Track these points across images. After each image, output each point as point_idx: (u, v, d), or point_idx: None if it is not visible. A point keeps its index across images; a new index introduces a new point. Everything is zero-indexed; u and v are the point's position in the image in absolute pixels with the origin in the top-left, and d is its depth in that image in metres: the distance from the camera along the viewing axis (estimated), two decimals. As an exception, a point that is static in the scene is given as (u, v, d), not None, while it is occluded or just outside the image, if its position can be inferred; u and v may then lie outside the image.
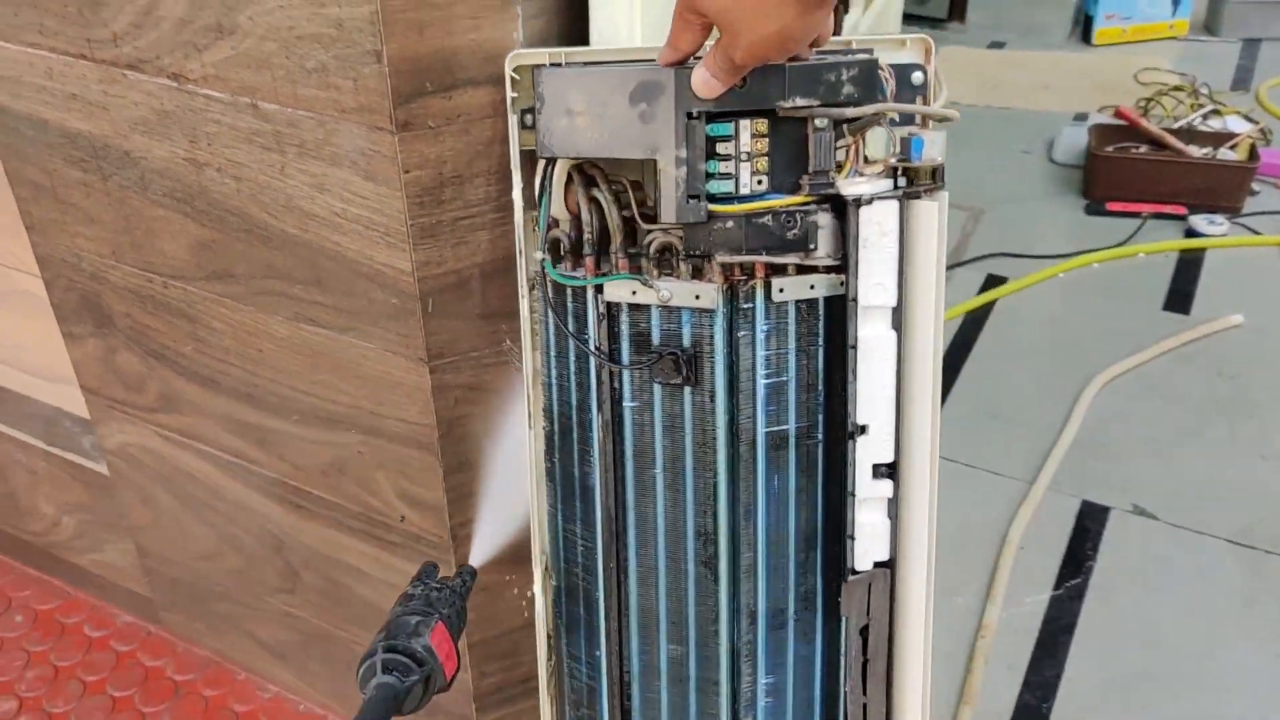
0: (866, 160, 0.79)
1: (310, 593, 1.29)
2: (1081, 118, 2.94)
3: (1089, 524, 1.68)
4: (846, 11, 0.70)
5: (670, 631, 0.84)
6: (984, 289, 2.21)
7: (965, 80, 3.32)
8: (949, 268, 2.26)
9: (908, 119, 0.81)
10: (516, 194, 0.83)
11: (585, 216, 0.78)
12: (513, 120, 0.81)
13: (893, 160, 0.77)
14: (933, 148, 0.79)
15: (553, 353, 0.83)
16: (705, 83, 0.70)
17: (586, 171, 0.78)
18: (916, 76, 0.82)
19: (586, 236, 0.78)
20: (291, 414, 1.12)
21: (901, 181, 0.78)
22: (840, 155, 0.78)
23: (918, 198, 0.76)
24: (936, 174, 0.78)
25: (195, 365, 1.16)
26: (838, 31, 0.92)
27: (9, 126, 1.10)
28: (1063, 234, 2.43)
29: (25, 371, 1.45)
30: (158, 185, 1.03)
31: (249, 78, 0.91)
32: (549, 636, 0.93)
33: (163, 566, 1.43)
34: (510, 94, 0.80)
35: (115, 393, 1.27)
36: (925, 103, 0.84)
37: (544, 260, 0.80)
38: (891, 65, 0.81)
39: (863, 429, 0.78)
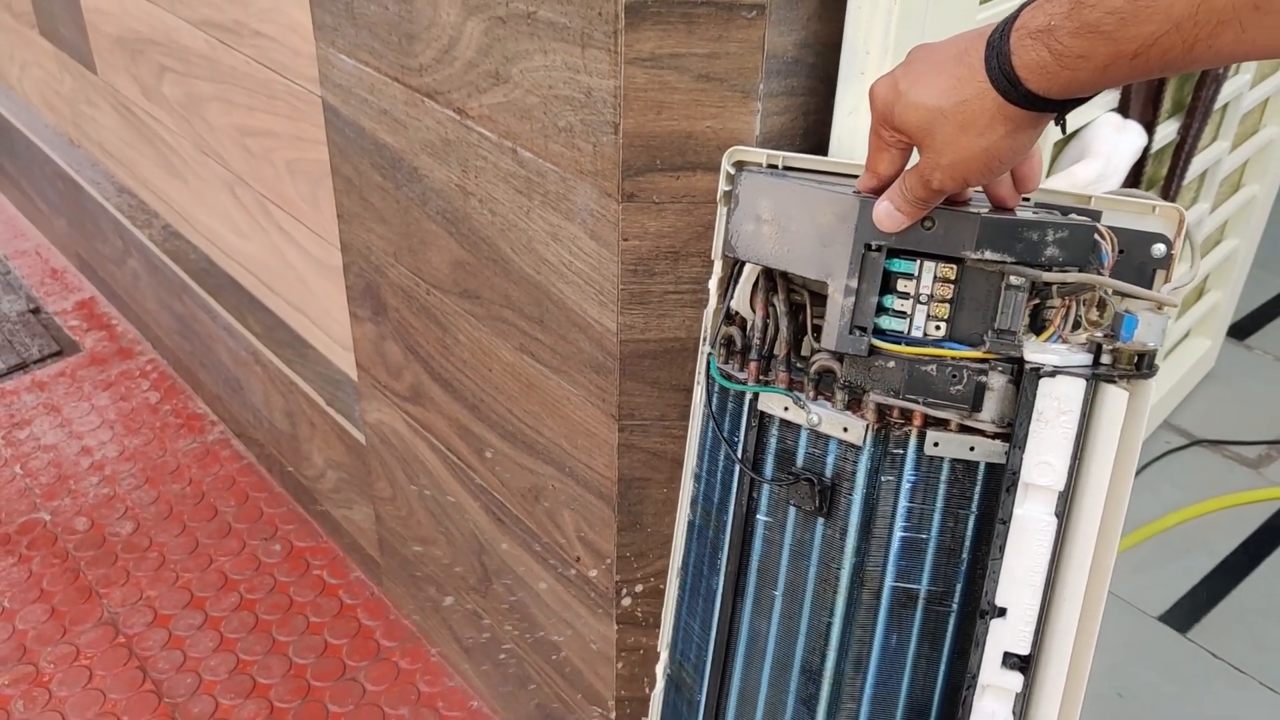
0: (1076, 327, 0.72)
1: (497, 601, 1.35)
2: None
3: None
4: (1065, 133, 0.64)
5: (758, 758, 0.82)
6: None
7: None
8: (1293, 440, 1.99)
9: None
10: (713, 283, 0.84)
11: (759, 322, 0.77)
12: (722, 212, 0.82)
13: (1098, 335, 0.71)
14: (1148, 331, 0.71)
15: (707, 447, 0.83)
16: (888, 215, 0.67)
17: (774, 277, 0.77)
18: (1158, 249, 0.74)
19: (755, 341, 0.77)
20: (506, 433, 1.18)
21: (1105, 359, 0.71)
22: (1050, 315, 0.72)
23: (1112, 382, 0.69)
24: (1144, 360, 0.70)
25: (440, 368, 1.25)
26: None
27: (337, 126, 1.25)
28: None
29: (331, 337, 1.62)
30: (434, 203, 1.13)
31: (514, 124, 0.97)
32: (659, 720, 0.92)
33: (392, 539, 1.55)
34: (723, 186, 0.81)
35: (379, 375, 1.40)
36: (1167, 279, 0.76)
37: (710, 355, 0.80)
38: (1129, 231, 0.74)
39: (1000, 611, 0.72)
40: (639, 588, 1.12)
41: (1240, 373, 2.16)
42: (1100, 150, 1.20)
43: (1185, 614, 1.66)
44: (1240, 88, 1.61)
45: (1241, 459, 1.96)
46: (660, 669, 0.91)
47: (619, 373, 0.99)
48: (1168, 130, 1.45)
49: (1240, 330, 2.29)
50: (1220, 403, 2.09)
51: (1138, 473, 1.88)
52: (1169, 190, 1.52)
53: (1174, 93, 1.45)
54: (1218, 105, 1.53)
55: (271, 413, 1.77)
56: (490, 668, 1.45)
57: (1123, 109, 1.28)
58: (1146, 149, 1.32)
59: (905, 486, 0.73)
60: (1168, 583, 1.71)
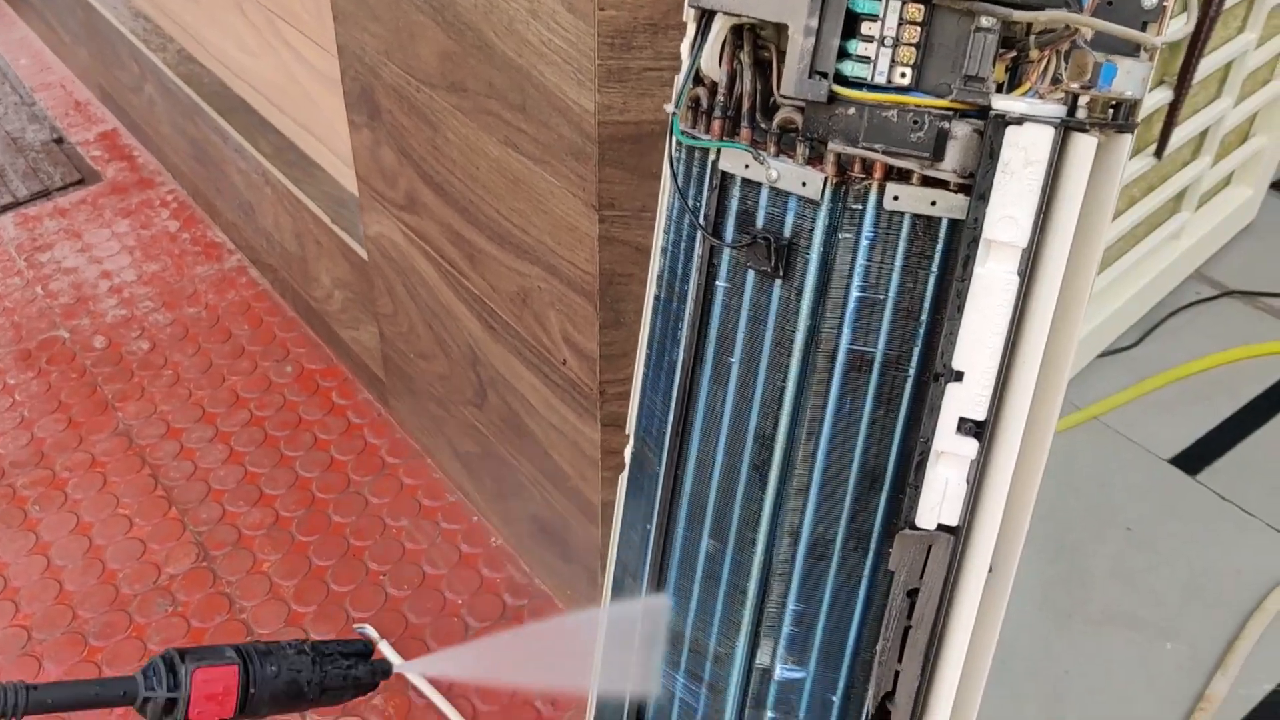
0: (1055, 84, 0.68)
1: (493, 413, 1.36)
2: None
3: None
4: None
5: (713, 526, 0.81)
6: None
7: None
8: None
9: (1125, 48, 0.69)
10: (685, 45, 0.80)
11: (725, 79, 0.74)
12: (693, -32, 0.78)
13: (1075, 86, 0.67)
14: (1127, 79, 0.67)
15: (673, 216, 0.81)
16: (850, -55, 0.64)
17: (742, 33, 0.74)
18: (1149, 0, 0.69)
19: (719, 100, 0.74)
20: (494, 235, 1.17)
21: (1081, 113, 0.67)
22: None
23: (1083, 130, 0.65)
24: (1120, 110, 0.67)
25: (432, 170, 1.24)
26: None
27: (327, -84, 1.21)
28: None
29: (336, 154, 1.61)
30: (420, -10, 1.09)
31: (491, -109, 0.93)
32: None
33: (395, 356, 1.56)
34: (694, -60, 0.76)
35: (377, 184, 1.38)
36: (1158, 32, 0.71)
37: (673, 115, 0.77)
38: (1117, -22, 0.69)
39: (957, 375, 0.70)
40: (622, 389, 1.12)
41: (1281, 226, 2.08)
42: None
43: (1196, 457, 1.63)
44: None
45: (1273, 310, 1.90)
46: (627, 452, 0.91)
47: (598, 158, 0.96)
48: (1209, -59, 1.36)
49: (1286, 184, 2.20)
50: (1257, 255, 2.02)
51: (1164, 320, 1.85)
52: (1209, 10, 1.44)
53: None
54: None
55: (282, 235, 1.77)
56: (488, 481, 1.46)
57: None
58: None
59: (863, 244, 0.70)
60: (1183, 427, 1.68)
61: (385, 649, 1.37)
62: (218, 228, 2.06)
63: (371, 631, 1.38)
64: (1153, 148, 1.57)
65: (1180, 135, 1.61)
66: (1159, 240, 1.78)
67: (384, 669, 0.90)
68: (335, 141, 1.58)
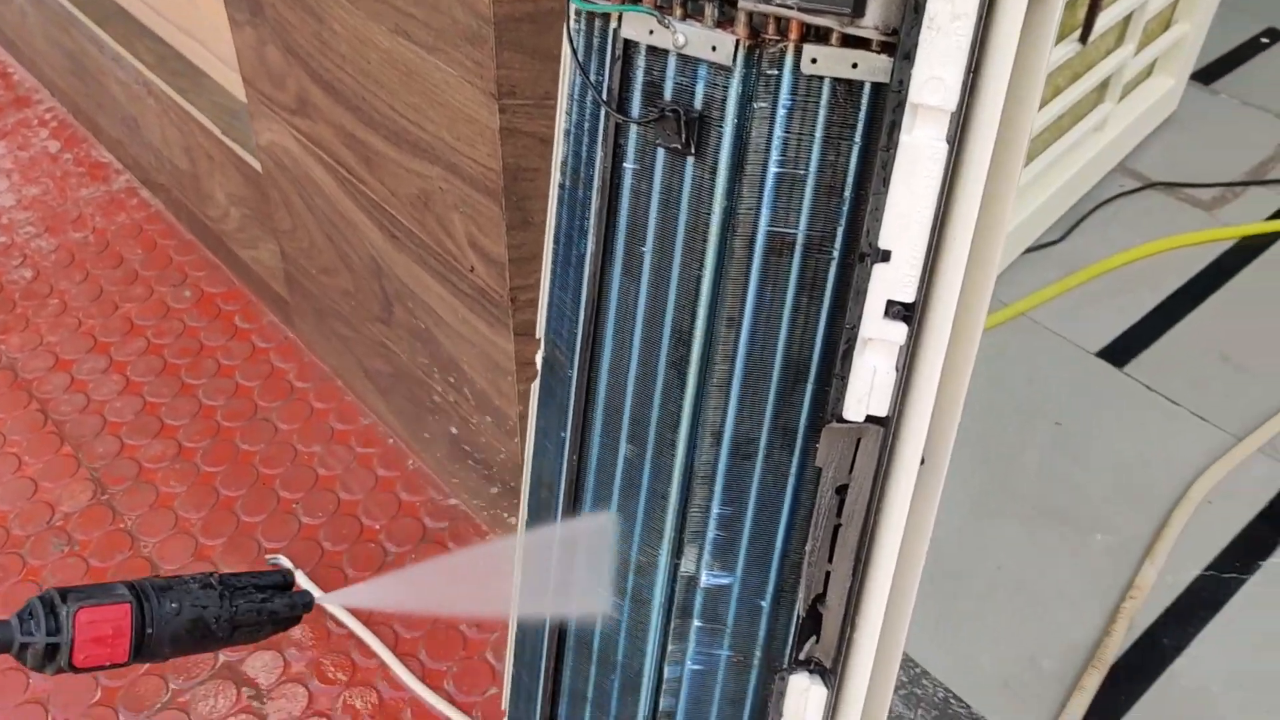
0: (983, -70, 0.62)
1: (401, 328, 1.29)
2: None
3: (1291, 501, 1.43)
4: None
5: (630, 430, 0.76)
6: (1276, 216, 1.87)
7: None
8: (1244, 183, 1.92)
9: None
10: (581, -93, 0.73)
11: (626, -65, 0.67)
12: None
13: (1003, -71, 0.61)
14: (1061, -79, 0.61)
15: (575, 94, 0.74)
16: None
17: (642, -117, 0.67)
18: None
19: (620, -42, 0.67)
20: (390, 134, 1.09)
21: (1012, -39, 0.61)
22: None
23: (1014, -22, 0.59)
24: (1053, -45, 0.61)
25: (320, 68, 1.14)
26: None
27: None
28: None
29: (219, 59, 1.50)
30: None
31: None
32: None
33: (297, 274, 1.47)
34: None
35: (264, 87, 1.29)
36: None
37: (570, -22, 0.70)
38: None
39: (884, 255, 0.65)
40: (534, 294, 1.05)
41: (1202, 116, 2.07)
42: None
43: (1123, 350, 1.62)
44: None
45: (1195, 201, 1.89)
46: (538, 357, 0.85)
47: (495, 41, 0.89)
48: None
49: (1207, 75, 2.18)
50: (1178, 147, 2.00)
51: (1088, 214, 1.82)
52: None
53: None
54: None
55: (171, 151, 1.66)
56: (401, 400, 1.40)
57: None
58: None
59: (780, 114, 0.64)
60: (1108, 320, 1.67)
61: (302, 579, 1.31)
62: (102, 146, 1.93)
63: (286, 562, 1.32)
64: (1078, 33, 1.53)
65: (1104, 21, 1.57)
66: (1083, 133, 1.75)
67: (304, 602, 0.82)
68: (219, 44, 1.47)
